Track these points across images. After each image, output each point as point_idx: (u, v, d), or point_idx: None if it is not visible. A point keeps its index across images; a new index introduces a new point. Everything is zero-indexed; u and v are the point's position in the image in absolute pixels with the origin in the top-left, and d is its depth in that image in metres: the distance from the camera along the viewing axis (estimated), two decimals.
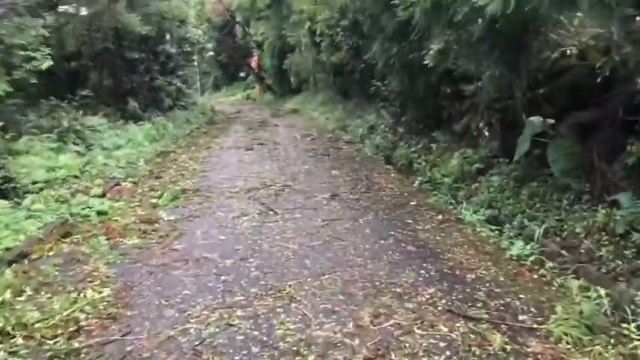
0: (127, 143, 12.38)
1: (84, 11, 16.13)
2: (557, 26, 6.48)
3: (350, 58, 15.70)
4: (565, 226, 5.53)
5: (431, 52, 5.75)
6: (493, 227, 5.94)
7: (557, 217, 5.73)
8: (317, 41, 19.09)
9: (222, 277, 4.79)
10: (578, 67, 7.13)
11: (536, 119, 6.72)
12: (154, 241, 5.89)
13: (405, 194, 7.98)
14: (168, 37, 18.21)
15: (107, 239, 5.92)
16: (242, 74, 35.74)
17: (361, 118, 15.55)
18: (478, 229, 6.02)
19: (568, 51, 7.37)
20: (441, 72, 9.47)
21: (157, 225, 6.51)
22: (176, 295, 4.42)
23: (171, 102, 19.63)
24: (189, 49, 19.01)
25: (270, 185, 8.65)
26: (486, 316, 3.94)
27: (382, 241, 5.70)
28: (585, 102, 6.77)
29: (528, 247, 5.15)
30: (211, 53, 27.37)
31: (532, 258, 4.95)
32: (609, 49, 5.55)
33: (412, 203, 7.40)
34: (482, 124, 8.78)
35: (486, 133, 8.75)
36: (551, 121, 6.58)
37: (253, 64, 32.59)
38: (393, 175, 9.53)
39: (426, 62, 6.14)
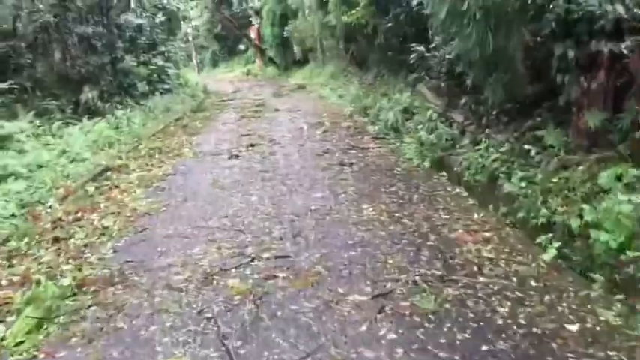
0: (59, 158, 8.12)
1: None
2: None
3: (370, 17, 11.11)
4: None
5: None
6: None
7: None
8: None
9: None
10: None
11: None
12: None
13: (538, 287, 3.59)
14: (132, 4, 13.67)
15: None
16: (242, 47, 30.94)
17: (387, 97, 11.07)
18: None
19: None
20: (558, 21, 4.98)
21: None
22: None
23: (147, 86, 15.26)
24: (162, 18, 14.42)
25: (252, 258, 4.31)
26: None
27: None
28: None
29: None
30: (195, 23, 22.23)
31: None
32: None
33: (586, 351, 3.02)
34: None
35: None
36: None
37: (253, 35, 27.80)
38: (476, 214, 5.09)
39: None
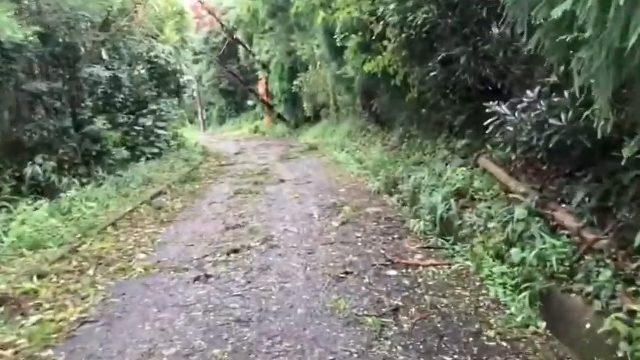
0: None
1: None
2: None
3: (402, 64, 8.13)
4: None
5: None
6: None
7: None
8: (337, 46, 11.66)
9: None
10: None
11: None
12: None
13: None
14: (105, 55, 10.91)
15: None
16: (250, 103, 28.38)
17: (425, 167, 7.98)
18: None
19: None
20: None
21: None
22: None
23: (128, 152, 12.35)
24: (143, 71, 11.64)
25: None
26: None
27: None
28: None
29: None
30: (189, 77, 19.42)
31: None
32: None
33: None
34: None
35: None
36: None
37: (261, 90, 25.25)
38: None
39: None
